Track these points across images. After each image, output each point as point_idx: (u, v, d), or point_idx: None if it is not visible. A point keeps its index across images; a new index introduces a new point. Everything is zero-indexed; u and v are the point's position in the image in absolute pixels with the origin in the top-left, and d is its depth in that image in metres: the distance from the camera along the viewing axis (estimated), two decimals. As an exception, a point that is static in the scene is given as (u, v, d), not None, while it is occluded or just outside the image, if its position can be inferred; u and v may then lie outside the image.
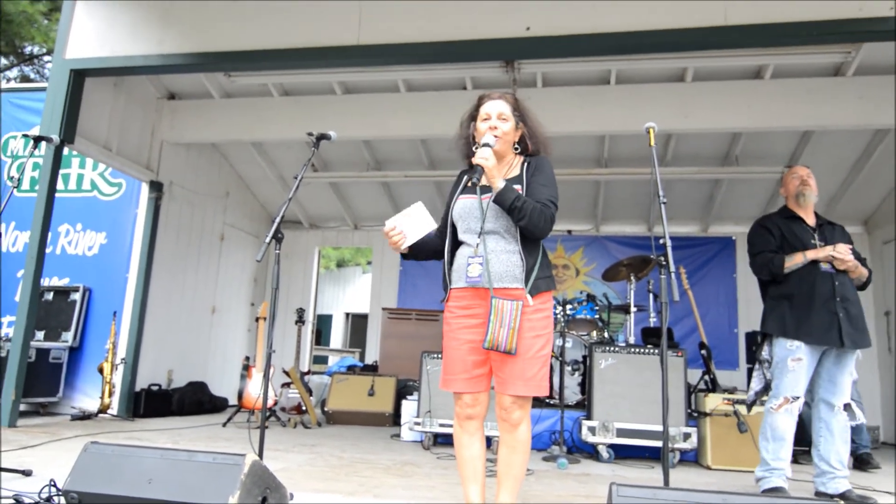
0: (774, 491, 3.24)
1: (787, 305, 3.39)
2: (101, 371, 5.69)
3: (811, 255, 3.38)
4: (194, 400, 6.52)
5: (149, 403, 5.95)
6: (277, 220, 2.64)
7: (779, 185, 3.81)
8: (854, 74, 5.30)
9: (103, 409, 5.62)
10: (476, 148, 2.47)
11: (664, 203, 2.53)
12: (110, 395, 5.67)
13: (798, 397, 3.28)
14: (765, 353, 3.50)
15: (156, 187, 6.33)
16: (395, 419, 6.01)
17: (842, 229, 3.60)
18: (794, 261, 3.40)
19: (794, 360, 3.30)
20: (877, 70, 5.30)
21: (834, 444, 3.29)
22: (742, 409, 4.38)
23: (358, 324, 16.77)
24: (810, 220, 3.55)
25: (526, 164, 2.45)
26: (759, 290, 3.66)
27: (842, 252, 3.32)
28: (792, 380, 3.29)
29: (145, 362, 6.13)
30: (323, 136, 2.94)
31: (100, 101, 5.71)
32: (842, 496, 3.21)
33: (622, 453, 4.64)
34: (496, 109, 2.43)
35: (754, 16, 4.21)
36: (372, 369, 7.11)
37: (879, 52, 5.10)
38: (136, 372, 5.98)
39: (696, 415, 4.77)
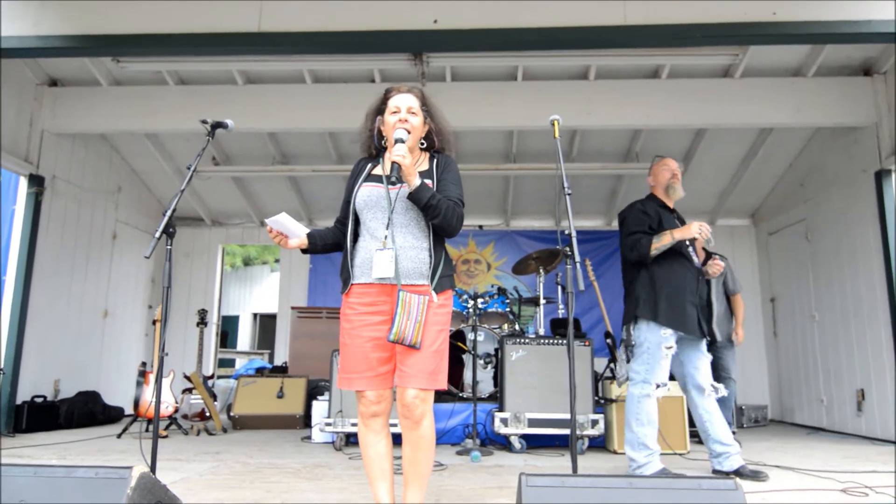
0: (663, 472, 3.36)
1: (661, 294, 3.42)
2: (-27, 384, 5.16)
3: (678, 233, 3.41)
4: (85, 411, 6.05)
5: (32, 417, 5.47)
6: (168, 213, 2.44)
7: (647, 175, 3.88)
8: (741, 76, 5.66)
9: (-23, 426, 5.10)
10: (385, 143, 2.40)
11: (569, 195, 2.56)
12: (-15, 410, 5.15)
13: (666, 384, 3.40)
14: (633, 338, 3.51)
15: (36, 181, 5.80)
16: (307, 421, 5.82)
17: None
18: (662, 241, 3.41)
19: (667, 347, 3.38)
20: (761, 72, 5.69)
21: (721, 424, 3.49)
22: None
23: (266, 324, 16.25)
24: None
25: (435, 160, 2.42)
26: (624, 273, 3.65)
27: (706, 228, 3.38)
28: (664, 367, 3.38)
29: (27, 372, 5.62)
30: (219, 125, 2.76)
31: (-33, 86, 5.17)
32: (736, 472, 3.40)
33: (534, 443, 4.72)
34: (406, 103, 2.37)
35: (650, 17, 4.40)
36: (281, 370, 6.88)
37: (763, 55, 5.47)
38: (16, 383, 5.47)
39: (602, 402, 4.92)
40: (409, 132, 2.31)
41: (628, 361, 3.56)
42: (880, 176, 5.41)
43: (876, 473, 3.66)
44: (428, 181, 2.31)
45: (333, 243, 2.47)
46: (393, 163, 2.17)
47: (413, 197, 2.22)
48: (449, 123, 2.51)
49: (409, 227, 2.29)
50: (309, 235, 2.43)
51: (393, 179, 2.17)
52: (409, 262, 2.26)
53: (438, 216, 2.23)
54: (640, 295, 3.49)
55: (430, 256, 2.28)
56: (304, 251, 2.46)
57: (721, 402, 5.13)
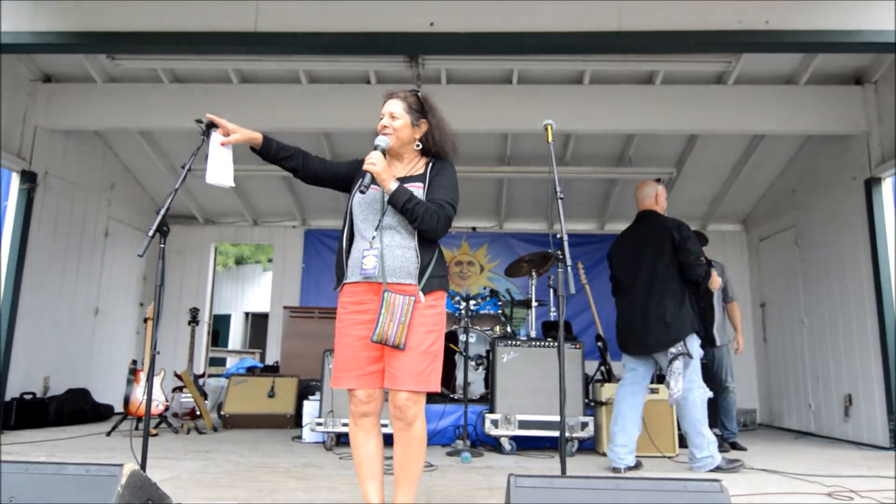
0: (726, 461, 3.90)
1: (696, 313, 4.02)
2: (-38, 380, 5.13)
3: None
4: (75, 408, 6.03)
5: (21, 414, 5.45)
6: (162, 211, 2.46)
7: (652, 196, 4.42)
8: (734, 83, 5.70)
9: (-35, 423, 5.07)
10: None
11: (561, 199, 2.59)
12: (-26, 406, 5.12)
13: None
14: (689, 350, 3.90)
15: (28, 177, 5.78)
16: (297, 420, 5.82)
17: None
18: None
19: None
20: (754, 80, 5.73)
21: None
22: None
23: (258, 323, 16.20)
24: None
25: (431, 164, 2.44)
26: (673, 285, 3.94)
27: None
28: None
29: (17, 369, 5.59)
30: (213, 124, 2.76)
31: (-40, 81, 5.15)
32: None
33: (524, 444, 4.74)
34: (388, 109, 2.42)
35: (645, 23, 4.44)
36: (273, 370, 6.87)
37: (756, 63, 5.52)
38: (5, 380, 5.44)
39: (592, 404, 4.95)
40: (388, 136, 2.36)
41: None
42: (870, 184, 5.47)
43: (861, 478, 3.70)
44: (418, 184, 2.34)
45: (290, 158, 2.54)
46: (364, 170, 2.24)
47: (391, 201, 2.27)
48: (448, 125, 2.52)
49: (396, 228, 2.32)
50: (266, 139, 2.50)
51: (361, 189, 2.23)
52: (394, 261, 2.28)
53: (416, 219, 2.26)
54: (691, 313, 3.94)
55: (418, 256, 2.30)
56: (254, 150, 2.56)
57: (724, 408, 5.19)
